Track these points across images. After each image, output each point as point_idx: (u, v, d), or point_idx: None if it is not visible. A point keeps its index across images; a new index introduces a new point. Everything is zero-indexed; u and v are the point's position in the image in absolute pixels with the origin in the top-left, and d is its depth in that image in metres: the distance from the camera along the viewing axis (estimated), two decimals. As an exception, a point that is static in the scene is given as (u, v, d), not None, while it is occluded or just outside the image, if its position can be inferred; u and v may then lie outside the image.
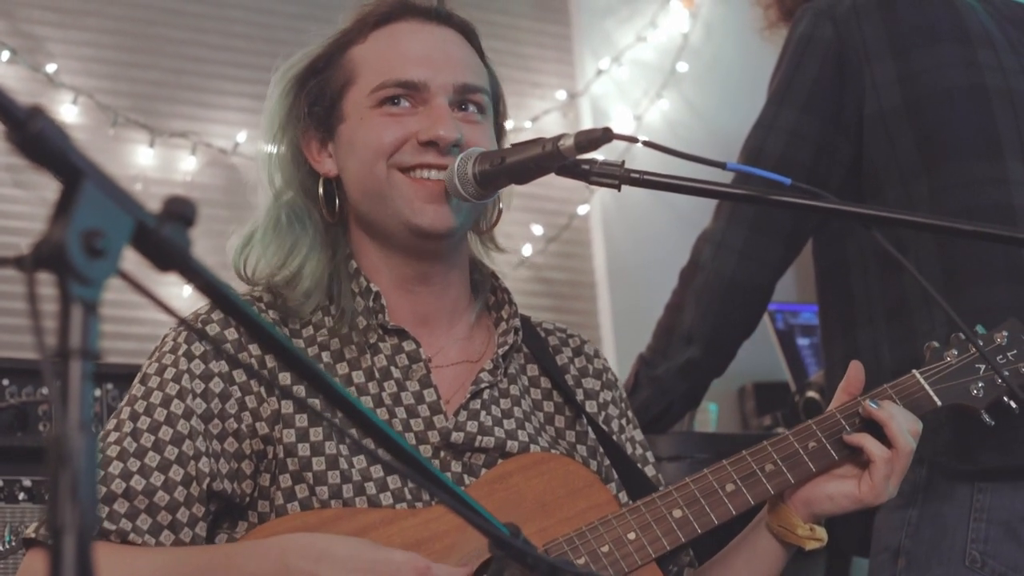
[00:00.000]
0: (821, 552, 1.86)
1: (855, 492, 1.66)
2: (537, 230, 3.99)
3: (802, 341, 3.46)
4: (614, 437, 1.79)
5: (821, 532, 1.69)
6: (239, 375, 1.60)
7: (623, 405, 1.86)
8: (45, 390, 2.60)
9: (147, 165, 3.54)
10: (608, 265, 4.04)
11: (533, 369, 1.80)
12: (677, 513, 1.62)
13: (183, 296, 3.35)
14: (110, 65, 3.56)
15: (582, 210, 4.08)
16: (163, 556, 1.49)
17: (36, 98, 3.30)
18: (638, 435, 1.86)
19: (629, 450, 1.82)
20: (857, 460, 1.68)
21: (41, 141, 0.80)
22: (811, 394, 3.05)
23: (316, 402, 1.59)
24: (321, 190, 1.71)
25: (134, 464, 1.53)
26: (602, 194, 4.00)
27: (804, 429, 1.70)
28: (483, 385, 1.69)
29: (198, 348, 1.60)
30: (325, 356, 1.66)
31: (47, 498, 0.76)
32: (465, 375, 1.71)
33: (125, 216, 0.83)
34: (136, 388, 1.60)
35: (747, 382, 3.72)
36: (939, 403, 1.75)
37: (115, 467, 1.53)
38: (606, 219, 4.08)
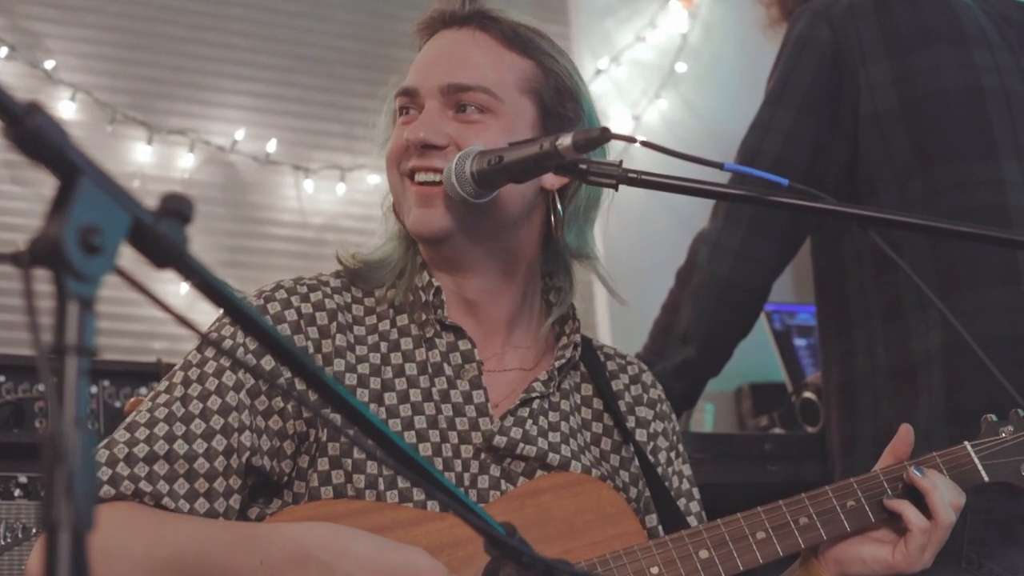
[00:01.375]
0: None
1: (888, 559, 1.64)
2: (535, 229, 3.99)
3: (799, 342, 3.46)
4: (659, 469, 1.78)
5: None
6: None
7: (674, 438, 1.85)
8: (41, 386, 2.60)
9: (145, 162, 3.54)
10: (606, 265, 4.03)
11: (587, 389, 1.79)
12: (704, 554, 1.60)
13: (180, 293, 3.35)
14: (108, 62, 3.56)
15: (580, 210, 4.08)
16: (190, 526, 1.50)
17: (34, 94, 3.30)
18: (686, 470, 1.84)
19: (676, 483, 1.81)
20: (895, 526, 1.66)
21: (38, 137, 0.80)
22: (808, 395, 3.04)
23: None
24: None
25: (179, 428, 1.55)
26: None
27: (845, 486, 1.67)
28: (534, 394, 1.69)
29: None
30: (383, 346, 1.67)
31: (43, 494, 0.76)
32: (518, 382, 1.71)
33: (122, 212, 0.83)
34: (192, 355, 1.62)
35: (744, 383, 3.72)
36: (987, 479, 1.72)
37: (160, 428, 1.55)
38: (604, 219, 4.07)
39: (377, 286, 1.71)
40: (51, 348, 0.78)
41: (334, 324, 1.64)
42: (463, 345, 1.69)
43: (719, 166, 1.59)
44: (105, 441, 1.55)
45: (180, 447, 1.54)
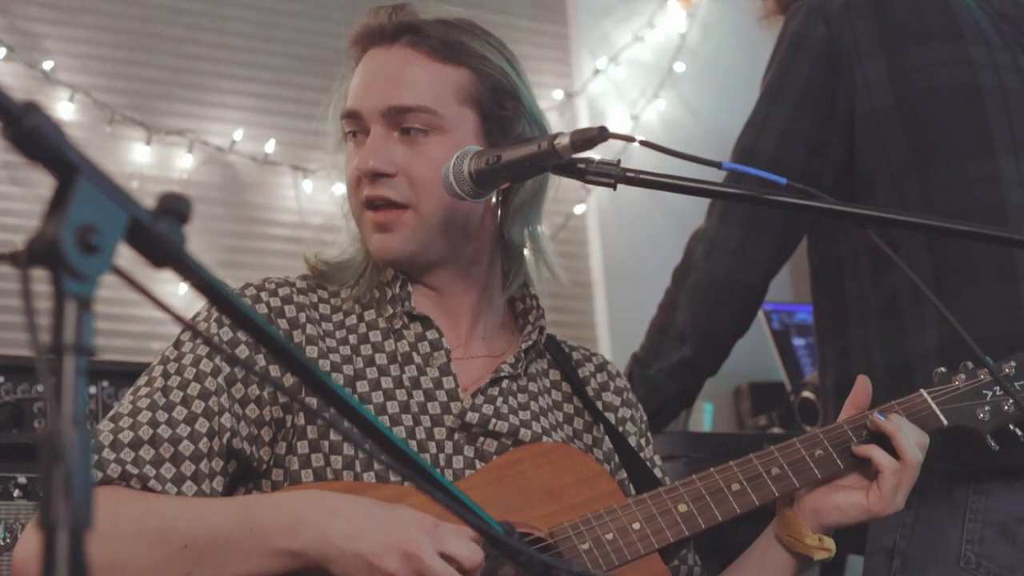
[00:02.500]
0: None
1: (863, 503, 1.68)
2: (534, 229, 3.99)
3: (798, 341, 3.46)
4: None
5: (829, 542, 1.71)
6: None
7: (643, 425, 1.89)
8: (40, 387, 2.60)
9: (143, 163, 3.54)
10: (605, 264, 4.05)
11: (555, 374, 1.83)
12: (682, 508, 1.64)
13: (179, 293, 3.35)
14: (107, 62, 3.56)
15: (579, 210, 4.08)
16: (179, 500, 1.53)
17: (33, 95, 3.30)
18: (657, 459, 1.88)
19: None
20: (865, 471, 1.70)
21: (36, 137, 0.80)
22: (806, 394, 3.05)
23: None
24: None
25: (162, 416, 1.58)
26: (599, 193, 4.00)
27: (811, 438, 1.71)
28: (503, 374, 1.73)
29: None
30: (352, 339, 1.70)
31: (41, 494, 0.76)
32: (486, 367, 1.75)
33: (120, 212, 0.83)
34: (169, 350, 1.65)
35: (743, 382, 3.72)
36: (945, 422, 1.76)
37: (144, 416, 1.57)
38: (603, 218, 4.08)
39: (342, 286, 1.75)
40: (49, 348, 0.78)
41: (303, 315, 1.67)
42: (431, 335, 1.72)
43: (717, 165, 1.60)
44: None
45: (164, 432, 1.56)
